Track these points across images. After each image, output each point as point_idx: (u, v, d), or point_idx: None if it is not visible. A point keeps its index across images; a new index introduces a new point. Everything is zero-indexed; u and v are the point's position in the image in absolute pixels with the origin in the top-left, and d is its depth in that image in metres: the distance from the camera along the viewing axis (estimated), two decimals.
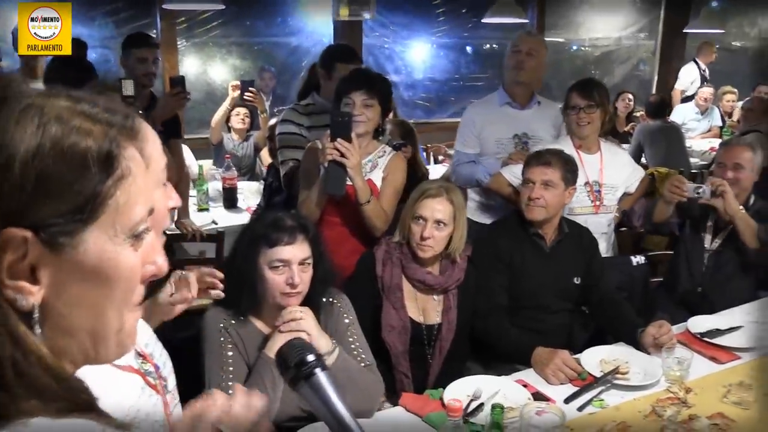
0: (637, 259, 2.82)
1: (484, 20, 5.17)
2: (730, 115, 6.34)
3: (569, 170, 2.34)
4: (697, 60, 6.68)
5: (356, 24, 5.36)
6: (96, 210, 0.56)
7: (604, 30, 6.76)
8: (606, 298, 2.37)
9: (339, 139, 2.22)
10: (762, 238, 2.56)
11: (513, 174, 2.79)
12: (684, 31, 6.54)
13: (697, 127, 6.28)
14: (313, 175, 2.35)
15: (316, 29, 5.54)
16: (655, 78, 7.20)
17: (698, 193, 2.55)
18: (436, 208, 2.08)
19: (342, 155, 2.21)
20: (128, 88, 2.65)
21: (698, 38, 6.67)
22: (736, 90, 6.39)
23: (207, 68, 5.64)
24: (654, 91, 7.15)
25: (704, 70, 6.61)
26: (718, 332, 2.24)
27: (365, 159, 2.43)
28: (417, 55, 6.32)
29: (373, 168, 2.46)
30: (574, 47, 6.75)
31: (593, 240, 2.49)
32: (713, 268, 2.71)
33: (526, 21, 5.49)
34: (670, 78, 6.98)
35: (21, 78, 0.59)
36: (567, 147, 2.85)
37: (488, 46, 6.54)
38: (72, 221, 0.55)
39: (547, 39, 6.17)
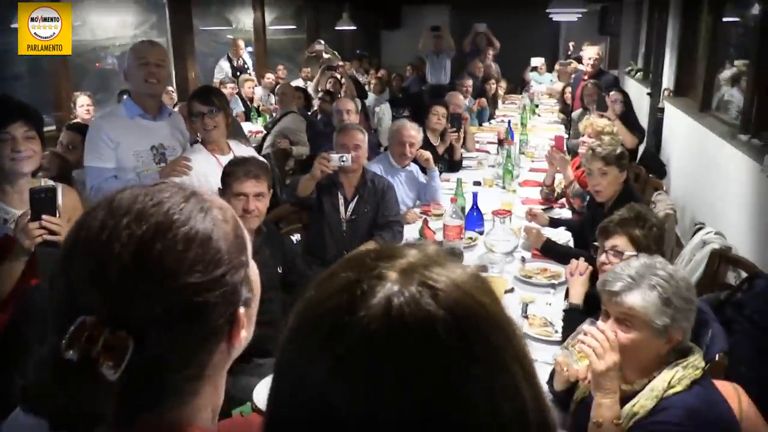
0: (296, 237, 3.27)
1: None
2: (251, 100, 7.28)
3: (270, 177, 2.58)
4: (229, 55, 7.78)
5: None
6: None
7: (119, 29, 6.72)
8: (304, 276, 2.76)
9: (45, 216, 1.91)
10: None
11: None
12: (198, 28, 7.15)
13: None
14: None
15: None
16: (173, 72, 7.56)
17: (343, 161, 3.12)
18: None
19: (52, 233, 1.92)
20: None
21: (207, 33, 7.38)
22: (252, 77, 7.42)
23: None
24: (174, 85, 7.55)
25: (242, 63, 7.75)
26: None
27: None
28: None
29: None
30: (96, 47, 6.51)
31: (279, 234, 2.83)
32: (350, 233, 3.37)
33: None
34: (187, 71, 7.49)
35: None
36: (201, 153, 3.05)
37: None
38: None
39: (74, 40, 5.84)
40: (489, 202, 3.74)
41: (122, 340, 0.60)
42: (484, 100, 7.05)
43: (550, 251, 3.04)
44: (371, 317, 0.48)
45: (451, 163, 4.80)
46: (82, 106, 5.24)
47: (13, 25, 4.52)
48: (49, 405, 0.60)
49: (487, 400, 0.49)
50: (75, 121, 4.67)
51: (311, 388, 0.50)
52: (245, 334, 0.73)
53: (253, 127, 6.64)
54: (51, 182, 2.02)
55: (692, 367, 1.51)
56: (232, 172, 2.50)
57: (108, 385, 0.59)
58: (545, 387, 1.93)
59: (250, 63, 8.21)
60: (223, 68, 7.73)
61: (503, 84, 7.82)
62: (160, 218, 0.66)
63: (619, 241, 2.23)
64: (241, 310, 0.71)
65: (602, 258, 2.24)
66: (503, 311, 0.56)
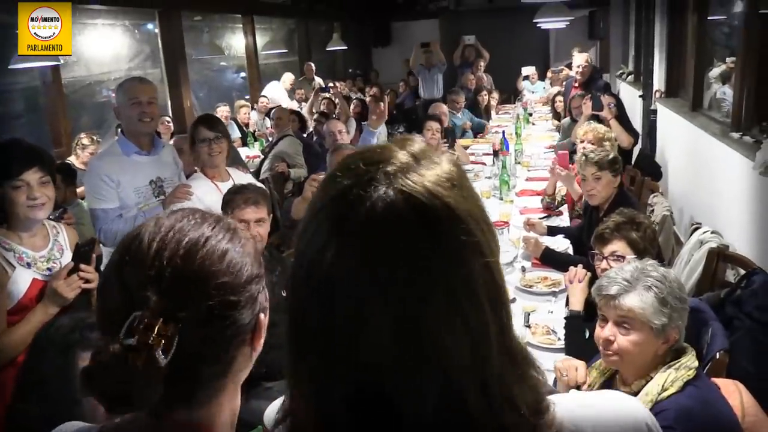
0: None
1: None
2: (247, 125, 7.36)
3: (269, 202, 2.64)
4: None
5: None
6: None
7: (113, 63, 6.81)
8: None
9: (83, 266, 2.07)
10: None
11: None
12: (191, 57, 7.21)
13: None
14: None
15: None
16: (168, 102, 7.63)
17: None
18: None
19: (86, 281, 2.09)
20: None
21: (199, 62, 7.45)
22: (248, 104, 7.50)
23: None
24: (170, 113, 7.63)
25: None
26: None
27: (49, 248, 2.20)
28: None
29: (62, 251, 2.24)
30: (92, 81, 6.59)
31: (281, 257, 2.87)
32: None
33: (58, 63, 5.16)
34: (182, 100, 7.56)
35: None
36: (201, 180, 3.10)
37: None
38: None
39: (67, 78, 5.92)
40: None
41: (173, 329, 0.72)
42: (469, 123, 7.03)
43: (550, 259, 3.08)
44: (363, 217, 0.61)
45: None
46: (86, 148, 5.15)
47: (9, 66, 4.62)
48: (108, 385, 0.70)
49: (444, 279, 0.62)
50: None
51: (321, 267, 0.62)
52: (262, 342, 0.85)
53: (250, 152, 6.71)
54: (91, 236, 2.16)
55: (684, 368, 1.54)
56: (232, 200, 2.55)
57: (158, 368, 0.70)
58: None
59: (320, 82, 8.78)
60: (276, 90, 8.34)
61: (495, 95, 7.90)
62: (198, 234, 0.80)
63: (618, 246, 2.26)
64: (262, 316, 0.83)
65: (603, 264, 2.26)
66: (471, 208, 0.66)
